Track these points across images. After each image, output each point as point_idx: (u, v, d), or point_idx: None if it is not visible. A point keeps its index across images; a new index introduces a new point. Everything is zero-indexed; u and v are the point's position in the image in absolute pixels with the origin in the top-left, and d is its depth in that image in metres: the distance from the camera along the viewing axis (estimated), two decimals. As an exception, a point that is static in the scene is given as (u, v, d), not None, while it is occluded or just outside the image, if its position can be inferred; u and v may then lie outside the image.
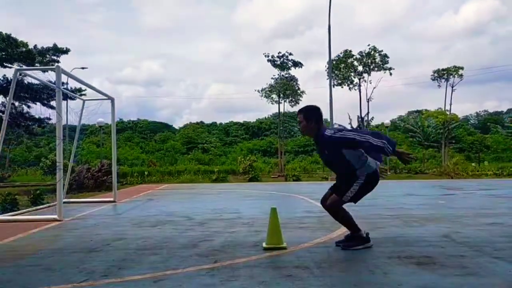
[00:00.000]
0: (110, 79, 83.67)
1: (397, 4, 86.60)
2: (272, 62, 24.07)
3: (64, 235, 4.99)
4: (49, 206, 8.17)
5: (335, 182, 4.07)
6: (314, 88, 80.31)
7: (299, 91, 24.41)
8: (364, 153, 3.78)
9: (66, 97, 14.76)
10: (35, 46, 17.61)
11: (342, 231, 4.83)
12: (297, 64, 24.20)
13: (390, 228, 5.01)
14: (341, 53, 22.20)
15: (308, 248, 3.88)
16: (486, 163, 28.45)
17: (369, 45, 21.88)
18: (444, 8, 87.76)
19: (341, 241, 4.04)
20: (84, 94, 15.52)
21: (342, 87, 22.64)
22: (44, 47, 17.98)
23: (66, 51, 18.29)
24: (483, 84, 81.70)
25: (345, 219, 3.92)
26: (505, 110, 57.49)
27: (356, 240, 3.91)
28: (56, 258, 3.68)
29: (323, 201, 4.00)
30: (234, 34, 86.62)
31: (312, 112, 3.88)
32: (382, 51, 21.70)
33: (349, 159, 3.74)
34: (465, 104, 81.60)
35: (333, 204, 3.88)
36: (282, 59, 23.96)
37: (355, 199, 3.88)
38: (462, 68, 24.13)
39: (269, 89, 24.30)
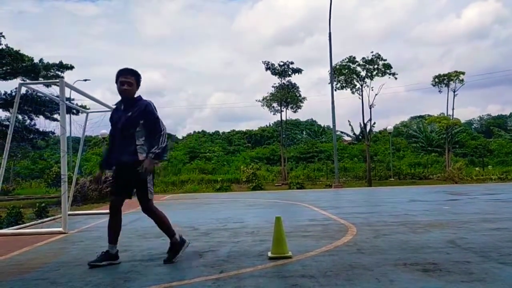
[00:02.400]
0: (112, 90, 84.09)
1: (399, 9, 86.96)
2: (272, 70, 24.06)
3: (69, 248, 5.00)
4: (54, 219, 8.19)
5: (116, 181, 3.90)
6: (316, 95, 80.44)
7: (300, 97, 24.44)
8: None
9: (69, 110, 14.89)
10: (40, 59, 17.78)
11: (347, 238, 4.84)
12: (296, 71, 24.23)
13: (395, 235, 5.00)
14: (345, 59, 22.27)
15: (313, 257, 3.87)
16: (490, 167, 28.28)
17: (372, 52, 21.93)
18: (445, 12, 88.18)
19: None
20: (88, 108, 15.60)
21: (345, 90, 22.68)
22: (50, 62, 18.18)
23: (70, 67, 18.54)
24: (486, 88, 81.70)
25: (162, 221, 3.93)
26: (508, 113, 57.25)
27: (175, 248, 3.92)
28: (62, 271, 3.69)
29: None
30: (235, 42, 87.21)
31: (140, 78, 4.11)
32: (386, 60, 21.78)
33: (143, 137, 3.81)
34: (468, 108, 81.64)
35: (149, 208, 3.90)
36: (283, 67, 23.98)
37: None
38: (463, 73, 24.06)
39: (270, 98, 24.32)
